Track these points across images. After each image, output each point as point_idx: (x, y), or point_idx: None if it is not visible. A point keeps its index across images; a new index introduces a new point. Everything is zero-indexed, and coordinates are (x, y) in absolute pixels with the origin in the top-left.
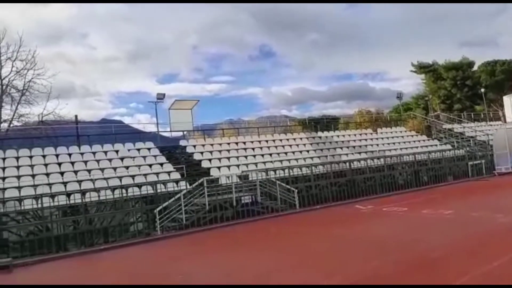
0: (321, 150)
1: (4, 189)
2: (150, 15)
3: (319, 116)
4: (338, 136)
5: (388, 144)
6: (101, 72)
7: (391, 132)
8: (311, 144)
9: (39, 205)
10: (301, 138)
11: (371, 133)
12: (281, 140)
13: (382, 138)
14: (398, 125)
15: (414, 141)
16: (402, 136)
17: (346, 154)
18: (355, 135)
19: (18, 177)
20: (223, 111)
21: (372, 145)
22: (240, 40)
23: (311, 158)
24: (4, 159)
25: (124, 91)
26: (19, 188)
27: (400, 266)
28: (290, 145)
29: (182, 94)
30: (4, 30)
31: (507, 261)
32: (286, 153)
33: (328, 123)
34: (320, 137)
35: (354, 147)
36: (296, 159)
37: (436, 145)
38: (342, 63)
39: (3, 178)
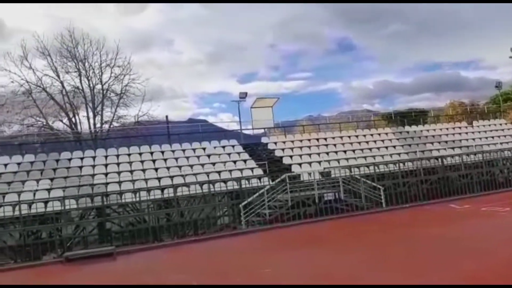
0: (409, 145)
1: (107, 183)
2: (228, 17)
3: (406, 110)
4: (428, 130)
5: (486, 138)
6: (186, 75)
7: (489, 125)
8: (397, 139)
9: (137, 199)
10: (386, 133)
11: (466, 127)
12: (364, 135)
13: (479, 132)
14: (497, 117)
15: None
16: (502, 130)
17: (438, 150)
18: (447, 129)
19: (119, 173)
20: (302, 108)
21: (467, 139)
22: (316, 35)
23: (398, 154)
24: (106, 156)
25: (207, 91)
26: (119, 182)
27: (502, 270)
28: (375, 141)
29: (260, 92)
30: (103, 39)
31: None
32: (370, 149)
33: (416, 116)
34: (407, 132)
35: (446, 142)
36: (382, 155)
37: None
38: (429, 52)
39: (106, 174)
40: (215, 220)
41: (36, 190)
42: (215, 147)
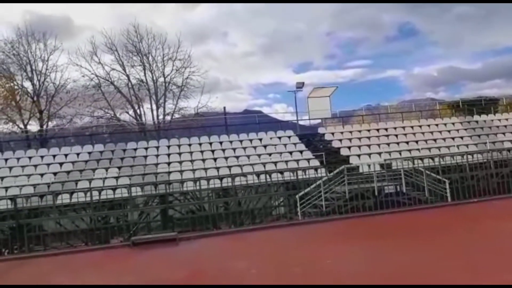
0: (478, 136)
1: (170, 172)
2: (283, 7)
3: (474, 97)
4: (499, 120)
5: None
6: (240, 66)
7: None
8: (465, 129)
9: (197, 187)
10: (453, 123)
11: None
12: (428, 125)
13: None
14: None
15: None
16: None
17: (510, 141)
18: None
19: (180, 162)
20: (360, 97)
21: None
22: (375, 21)
23: (466, 145)
24: (168, 146)
25: (262, 82)
26: (181, 171)
27: None
28: (440, 131)
29: (316, 82)
30: (165, 34)
31: None
32: (435, 140)
33: (486, 105)
34: (476, 122)
35: None
36: (448, 147)
37: None
38: (499, 35)
39: (168, 163)
40: (271, 210)
41: (105, 178)
42: (271, 138)
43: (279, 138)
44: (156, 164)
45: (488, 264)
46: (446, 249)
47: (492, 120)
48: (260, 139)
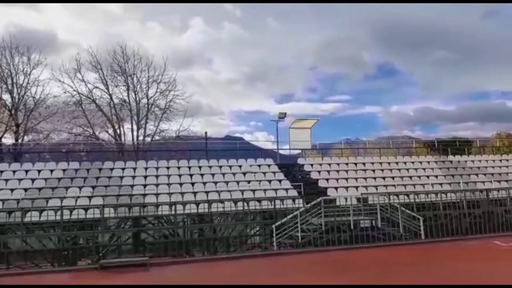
0: (452, 176)
1: (145, 194)
2: (269, 38)
3: (449, 138)
4: (472, 161)
5: None
6: (223, 93)
7: None
8: (440, 168)
9: (173, 212)
10: (428, 162)
11: None
12: (405, 162)
13: None
14: None
15: None
16: None
17: (483, 182)
18: (493, 160)
19: (157, 185)
20: (340, 131)
21: None
22: (357, 59)
23: (440, 184)
24: (146, 168)
25: (244, 109)
26: (157, 194)
27: None
28: (416, 169)
29: (297, 113)
30: (152, 56)
31: None
32: (410, 177)
33: (460, 146)
34: (451, 162)
35: (492, 174)
36: (422, 185)
37: None
38: (475, 80)
39: (144, 186)
40: (246, 238)
41: (78, 197)
42: (251, 165)
43: (259, 166)
44: (132, 186)
45: None
46: None
47: (466, 161)
48: (240, 166)
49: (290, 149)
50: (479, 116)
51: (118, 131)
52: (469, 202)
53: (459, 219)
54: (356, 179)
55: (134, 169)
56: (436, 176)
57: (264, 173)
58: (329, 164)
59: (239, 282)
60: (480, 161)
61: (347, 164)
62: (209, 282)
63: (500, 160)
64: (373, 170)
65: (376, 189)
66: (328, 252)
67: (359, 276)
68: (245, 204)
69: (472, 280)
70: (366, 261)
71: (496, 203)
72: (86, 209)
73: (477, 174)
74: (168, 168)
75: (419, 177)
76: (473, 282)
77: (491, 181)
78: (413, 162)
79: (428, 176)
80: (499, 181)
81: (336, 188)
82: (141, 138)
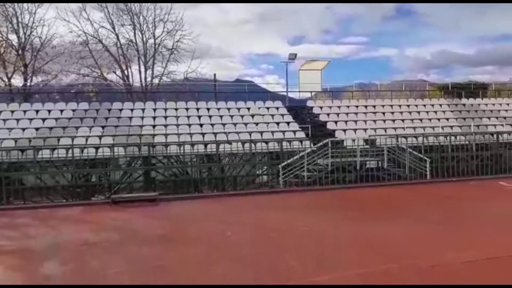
0: (464, 119)
1: (154, 135)
2: None
3: (464, 82)
4: (486, 104)
5: None
6: (233, 34)
7: None
8: (452, 111)
9: (181, 151)
10: (440, 105)
11: None
12: (416, 105)
13: None
14: None
15: None
16: None
17: (494, 125)
18: (508, 104)
19: (165, 125)
20: (353, 74)
21: None
22: None
23: (451, 127)
24: (154, 109)
25: (255, 52)
26: (165, 135)
27: None
28: (427, 112)
29: (310, 56)
30: None
31: None
32: (421, 119)
33: (475, 89)
34: (464, 105)
35: (505, 117)
36: (432, 127)
37: None
38: (498, 22)
39: (153, 126)
40: (254, 178)
41: (88, 136)
42: (259, 108)
43: (267, 108)
44: (141, 126)
45: (463, 239)
46: (421, 222)
47: (479, 104)
48: (248, 108)
49: (299, 91)
50: (498, 60)
51: (125, 72)
52: (478, 144)
53: (466, 161)
54: (365, 121)
55: (143, 110)
56: (447, 119)
57: (273, 115)
58: (339, 107)
59: (244, 213)
60: (494, 104)
61: (357, 107)
62: (215, 213)
63: None
64: (383, 113)
65: (385, 131)
66: (333, 190)
67: (361, 209)
68: (253, 145)
69: (473, 216)
70: (369, 198)
71: (506, 146)
72: (96, 148)
73: (489, 118)
74: (176, 109)
75: (430, 119)
76: (473, 219)
77: (502, 124)
78: (424, 105)
79: (439, 119)
80: (511, 125)
81: (344, 131)
82: (149, 79)
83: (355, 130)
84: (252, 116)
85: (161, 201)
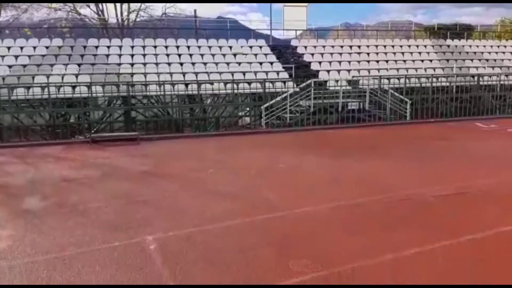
0: (447, 60)
1: (133, 74)
2: None
3: (450, 23)
4: (470, 46)
5: None
6: None
7: None
8: (436, 52)
9: (162, 91)
10: (425, 46)
11: None
12: (401, 46)
13: None
14: None
15: None
16: None
17: (476, 68)
18: (491, 46)
19: (144, 64)
20: (340, 14)
21: (510, 59)
22: None
23: (433, 68)
24: (132, 47)
25: None
26: (145, 74)
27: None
28: (411, 53)
29: None
30: None
31: None
32: (405, 61)
33: (461, 31)
34: (448, 46)
35: (487, 60)
36: (416, 69)
37: None
38: None
39: (132, 64)
40: (236, 119)
41: (64, 74)
42: (242, 46)
43: (250, 47)
44: (119, 64)
45: (437, 174)
46: (399, 160)
47: (463, 46)
48: (230, 47)
49: (284, 29)
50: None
51: (100, 6)
52: (459, 86)
53: (446, 104)
54: (349, 62)
55: (120, 47)
56: (431, 60)
57: (256, 54)
58: (324, 47)
59: (223, 152)
60: (478, 46)
61: (342, 46)
62: (197, 152)
63: (498, 46)
64: (368, 53)
65: (369, 72)
66: (314, 131)
67: (341, 148)
68: (235, 85)
69: (447, 155)
70: (349, 138)
71: (485, 88)
72: (73, 86)
73: (472, 60)
74: (155, 47)
75: (413, 61)
76: (448, 157)
77: (484, 67)
78: (409, 46)
79: (422, 60)
80: (492, 67)
81: (328, 71)
82: (125, 14)
83: (338, 71)
84: (235, 55)
85: (142, 140)
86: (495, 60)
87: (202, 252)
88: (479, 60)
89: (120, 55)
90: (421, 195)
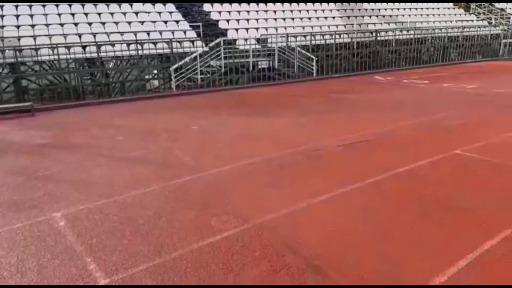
0: (348, 17)
1: (20, 37)
2: None
3: None
4: (369, 3)
5: (422, 16)
6: None
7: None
8: (338, 10)
9: (56, 56)
10: (328, 3)
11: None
12: (306, 3)
13: (416, 9)
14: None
15: (450, 15)
16: (438, 8)
17: (374, 24)
18: (387, 3)
19: (32, 26)
20: None
21: (403, 15)
22: None
23: (336, 25)
24: (17, 6)
25: None
26: (34, 37)
27: (415, 129)
28: (315, 10)
29: None
30: None
31: None
32: (309, 18)
33: None
34: (349, 3)
35: (384, 16)
36: (320, 26)
37: (472, 20)
38: None
39: (18, 26)
40: (144, 83)
41: None
42: (143, 4)
43: (153, 4)
44: (2, 27)
45: (340, 122)
46: (307, 114)
47: (362, 3)
48: (131, 4)
49: None
50: None
51: None
52: (359, 43)
53: (348, 59)
54: (257, 20)
55: (1, 7)
56: (334, 18)
57: (160, 13)
58: (231, 4)
59: (130, 117)
60: (375, 3)
61: (249, 4)
62: (102, 120)
63: (393, 3)
64: (275, 11)
65: (276, 30)
66: (227, 91)
67: (253, 106)
68: (139, 46)
69: (351, 106)
70: (260, 96)
71: (383, 44)
72: None
73: (370, 16)
74: (44, 6)
75: (318, 18)
76: (351, 109)
77: (381, 23)
78: (313, 4)
79: (326, 18)
80: (388, 23)
81: (236, 30)
82: None
83: (247, 29)
84: (136, 13)
85: (38, 111)
86: (390, 16)
87: (118, 223)
88: (377, 16)
89: (2, 16)
90: (330, 146)
